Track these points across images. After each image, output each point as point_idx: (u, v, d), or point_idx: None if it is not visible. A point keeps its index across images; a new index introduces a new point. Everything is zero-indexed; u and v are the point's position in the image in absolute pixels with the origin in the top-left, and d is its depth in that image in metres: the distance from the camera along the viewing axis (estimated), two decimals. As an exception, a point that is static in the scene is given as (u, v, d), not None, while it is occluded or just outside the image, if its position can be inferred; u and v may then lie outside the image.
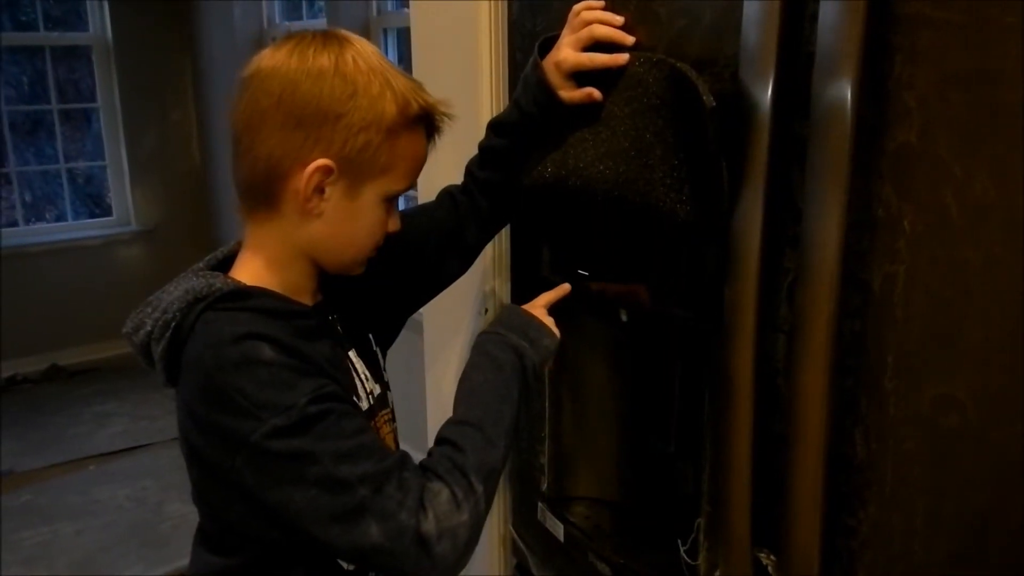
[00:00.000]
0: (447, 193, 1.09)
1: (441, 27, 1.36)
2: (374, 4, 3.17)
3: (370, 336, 0.97)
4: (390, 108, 0.78)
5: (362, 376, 0.90)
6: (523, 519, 1.31)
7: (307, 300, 0.86)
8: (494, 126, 1.05)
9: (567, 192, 0.95)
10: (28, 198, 4.39)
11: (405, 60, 2.14)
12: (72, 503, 2.95)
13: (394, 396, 0.99)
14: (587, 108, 0.93)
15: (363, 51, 0.79)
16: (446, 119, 0.86)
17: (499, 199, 1.08)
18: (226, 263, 0.87)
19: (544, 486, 1.23)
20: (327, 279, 0.89)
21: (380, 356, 0.99)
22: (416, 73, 1.39)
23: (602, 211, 0.92)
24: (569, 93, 0.95)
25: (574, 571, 1.16)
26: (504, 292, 1.33)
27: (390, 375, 1.00)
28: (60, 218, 4.45)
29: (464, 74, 1.29)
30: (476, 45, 1.26)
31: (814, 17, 0.70)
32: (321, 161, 0.77)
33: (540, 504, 1.23)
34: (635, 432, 1.16)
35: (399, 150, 0.81)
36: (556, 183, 0.96)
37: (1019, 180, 0.60)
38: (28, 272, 4.08)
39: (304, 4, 3.81)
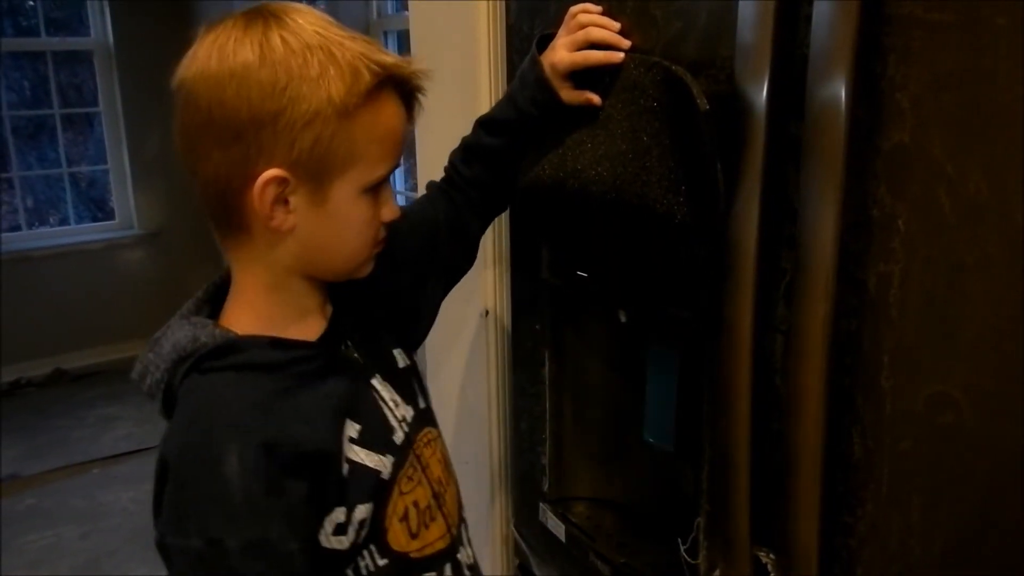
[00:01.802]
0: (437, 188, 1.02)
1: (440, 28, 1.37)
2: (374, 5, 3.17)
3: (395, 352, 0.87)
4: (336, 87, 0.66)
5: (390, 404, 0.81)
6: (525, 519, 1.31)
7: (316, 321, 0.78)
8: (486, 124, 0.99)
9: (566, 194, 0.95)
10: (31, 202, 4.41)
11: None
12: (76, 507, 2.96)
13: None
14: (585, 110, 0.93)
15: (296, 25, 0.67)
16: (418, 75, 0.73)
17: (490, 194, 1.03)
18: (224, 288, 0.78)
19: (545, 487, 1.23)
20: (337, 287, 0.80)
21: (411, 372, 0.88)
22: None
23: (601, 213, 0.93)
24: (568, 94, 0.94)
25: (575, 571, 1.17)
26: (504, 293, 1.34)
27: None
28: (63, 222, 4.46)
29: (463, 75, 1.29)
30: (475, 46, 1.27)
31: (808, 19, 0.71)
32: (269, 173, 0.66)
33: (542, 504, 1.24)
34: (635, 432, 1.16)
35: (361, 132, 0.69)
36: (555, 185, 0.96)
37: (1012, 179, 0.61)
38: (31, 276, 4.09)
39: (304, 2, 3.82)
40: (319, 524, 0.70)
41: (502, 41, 1.24)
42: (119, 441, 3.45)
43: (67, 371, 4.19)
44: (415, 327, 0.95)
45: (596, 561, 1.11)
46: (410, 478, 0.79)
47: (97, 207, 4.58)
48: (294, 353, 0.72)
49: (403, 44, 3.10)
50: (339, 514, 0.71)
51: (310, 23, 0.68)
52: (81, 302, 4.25)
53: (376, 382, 0.80)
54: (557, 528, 1.20)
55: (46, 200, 4.51)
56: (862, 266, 0.71)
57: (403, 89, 0.73)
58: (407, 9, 1.53)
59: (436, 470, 0.84)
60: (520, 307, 1.28)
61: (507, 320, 1.34)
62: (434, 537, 0.81)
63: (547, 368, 1.20)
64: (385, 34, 3.16)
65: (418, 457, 0.81)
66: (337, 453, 0.72)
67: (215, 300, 0.78)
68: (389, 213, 0.76)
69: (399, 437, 0.79)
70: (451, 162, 1.02)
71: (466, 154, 1.01)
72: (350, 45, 0.68)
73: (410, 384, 0.87)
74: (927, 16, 0.64)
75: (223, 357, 0.69)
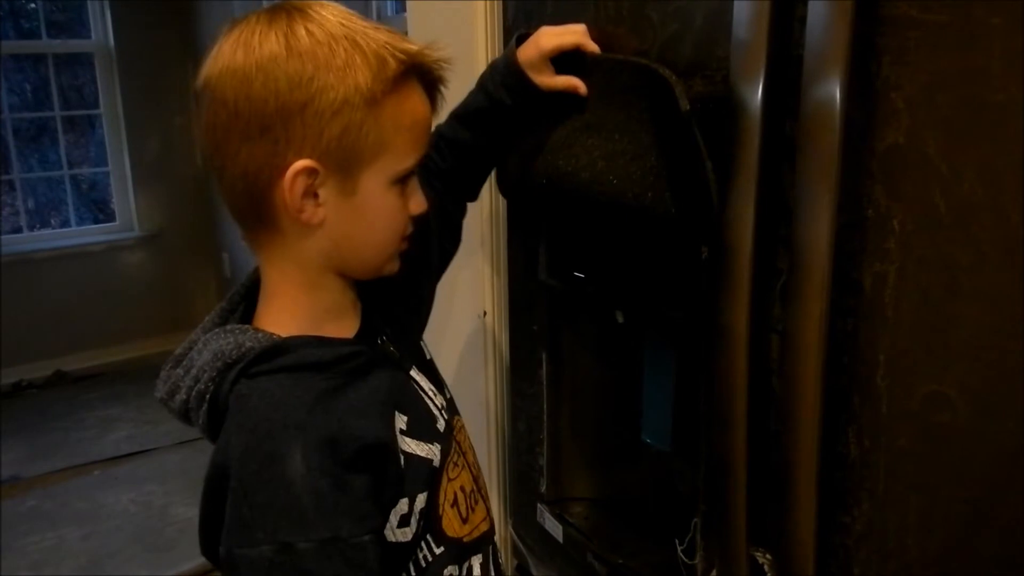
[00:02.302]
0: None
1: (437, 29, 1.37)
2: (373, 6, 3.18)
3: (421, 344, 0.89)
4: (363, 75, 0.66)
5: (429, 393, 0.82)
6: (523, 520, 1.31)
7: (352, 321, 0.78)
8: (459, 115, 0.98)
9: (560, 194, 0.95)
10: (32, 204, 4.41)
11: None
12: (78, 508, 2.96)
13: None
14: (567, 102, 0.92)
15: (320, 17, 0.68)
16: (441, 65, 0.73)
17: (466, 184, 1.02)
18: (251, 295, 0.77)
19: (543, 487, 1.23)
20: (362, 284, 0.80)
21: (434, 362, 0.90)
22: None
23: (596, 213, 0.93)
24: (549, 79, 0.92)
25: (573, 571, 1.17)
26: (501, 295, 1.34)
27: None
28: (64, 224, 4.46)
29: (460, 76, 1.29)
30: (472, 47, 1.27)
31: (803, 19, 0.71)
32: (299, 164, 0.66)
33: (539, 505, 1.24)
34: (632, 433, 1.16)
35: (389, 121, 0.68)
36: (549, 185, 0.96)
37: (1007, 179, 0.61)
38: (32, 278, 4.10)
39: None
40: (385, 518, 0.71)
41: (499, 42, 1.24)
42: (120, 443, 3.45)
43: (68, 373, 4.19)
44: (420, 318, 0.96)
45: (593, 562, 1.11)
46: (456, 464, 0.81)
47: (98, 209, 4.58)
48: (340, 350, 0.71)
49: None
50: (403, 505, 0.72)
51: (333, 15, 0.68)
52: (82, 304, 4.25)
53: (415, 373, 0.82)
54: (555, 529, 1.20)
55: (47, 202, 4.52)
56: (857, 266, 0.71)
57: (427, 79, 0.73)
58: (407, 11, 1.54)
59: (471, 455, 0.87)
60: (517, 308, 1.28)
61: (504, 321, 1.34)
62: (479, 519, 0.84)
63: (544, 369, 1.20)
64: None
65: (459, 443, 0.83)
66: (393, 445, 0.72)
67: (240, 307, 0.78)
68: (417, 206, 0.75)
69: (441, 425, 0.80)
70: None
71: (441, 144, 0.99)
72: (374, 35, 0.68)
73: (437, 374, 0.89)
74: (921, 16, 0.64)
75: (271, 360, 0.68)
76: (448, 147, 0.98)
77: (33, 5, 4.23)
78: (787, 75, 0.73)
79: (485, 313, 1.36)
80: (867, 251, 0.70)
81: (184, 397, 0.71)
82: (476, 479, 0.86)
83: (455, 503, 0.79)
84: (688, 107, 0.78)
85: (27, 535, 2.78)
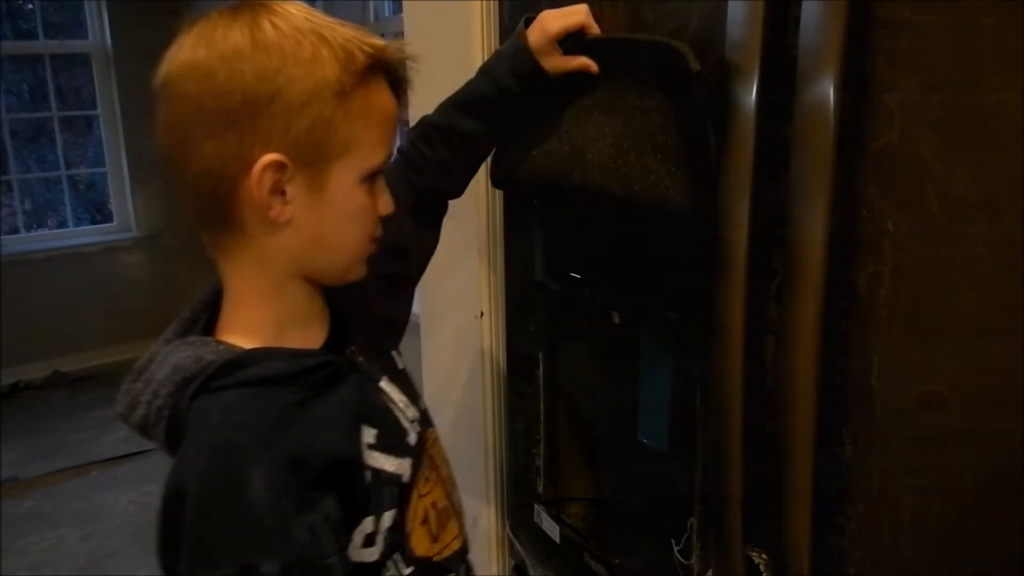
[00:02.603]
0: (394, 174, 0.91)
1: (434, 28, 1.37)
2: (371, 5, 3.18)
3: (393, 354, 0.86)
4: (331, 68, 0.64)
5: (400, 405, 0.79)
6: (520, 521, 1.31)
7: (319, 330, 0.75)
8: (460, 104, 0.94)
9: (559, 185, 0.95)
10: (29, 205, 4.41)
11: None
12: (76, 509, 2.96)
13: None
14: (570, 89, 0.91)
15: (284, 12, 0.66)
16: (407, 63, 0.71)
17: (454, 176, 0.99)
18: (215, 304, 0.74)
19: (540, 488, 1.23)
20: (330, 292, 0.77)
21: (407, 372, 0.86)
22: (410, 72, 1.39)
23: (595, 205, 0.93)
24: (559, 62, 0.90)
25: (570, 571, 1.17)
26: (499, 295, 1.34)
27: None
28: (61, 225, 4.46)
29: (457, 75, 1.30)
30: (469, 47, 1.27)
31: (797, 21, 0.71)
32: (268, 158, 0.63)
33: (536, 506, 1.24)
34: (629, 433, 1.16)
35: (359, 115, 0.67)
36: (548, 176, 0.96)
37: (999, 179, 0.61)
38: (30, 279, 4.10)
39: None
40: (349, 537, 0.69)
41: (495, 42, 1.24)
42: (119, 443, 3.45)
43: (66, 373, 4.19)
44: (395, 324, 0.93)
45: (591, 562, 1.11)
46: (427, 479, 0.79)
47: (96, 209, 4.58)
48: (305, 362, 0.68)
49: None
50: (367, 524, 0.70)
51: (298, 10, 0.67)
52: (80, 304, 4.25)
53: (384, 384, 0.79)
54: (552, 529, 1.20)
55: (45, 203, 4.51)
56: (852, 267, 0.72)
57: (393, 76, 0.71)
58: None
59: (444, 469, 0.84)
60: (514, 309, 1.28)
61: (501, 322, 1.34)
62: (451, 537, 0.81)
63: (541, 370, 1.20)
64: (383, 36, 3.16)
65: (431, 457, 0.81)
66: (360, 461, 0.70)
67: (202, 318, 0.75)
68: (385, 207, 0.73)
69: (412, 439, 0.77)
70: (410, 142, 0.97)
71: (431, 135, 0.95)
72: (340, 29, 0.67)
73: (411, 384, 0.85)
74: (915, 18, 0.64)
75: (233, 373, 0.65)
76: (442, 137, 0.95)
77: (31, 6, 4.23)
78: (781, 76, 0.73)
79: (482, 314, 1.36)
80: (861, 252, 0.71)
81: (143, 412, 0.68)
82: (450, 495, 0.83)
83: (425, 520, 0.77)
84: (699, 67, 0.76)
85: (26, 536, 2.78)
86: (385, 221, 0.74)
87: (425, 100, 0.94)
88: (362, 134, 0.67)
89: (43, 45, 4.20)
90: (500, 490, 1.42)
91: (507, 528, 1.38)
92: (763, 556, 0.83)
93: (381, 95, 0.69)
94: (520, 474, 1.30)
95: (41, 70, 4.23)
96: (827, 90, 0.69)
